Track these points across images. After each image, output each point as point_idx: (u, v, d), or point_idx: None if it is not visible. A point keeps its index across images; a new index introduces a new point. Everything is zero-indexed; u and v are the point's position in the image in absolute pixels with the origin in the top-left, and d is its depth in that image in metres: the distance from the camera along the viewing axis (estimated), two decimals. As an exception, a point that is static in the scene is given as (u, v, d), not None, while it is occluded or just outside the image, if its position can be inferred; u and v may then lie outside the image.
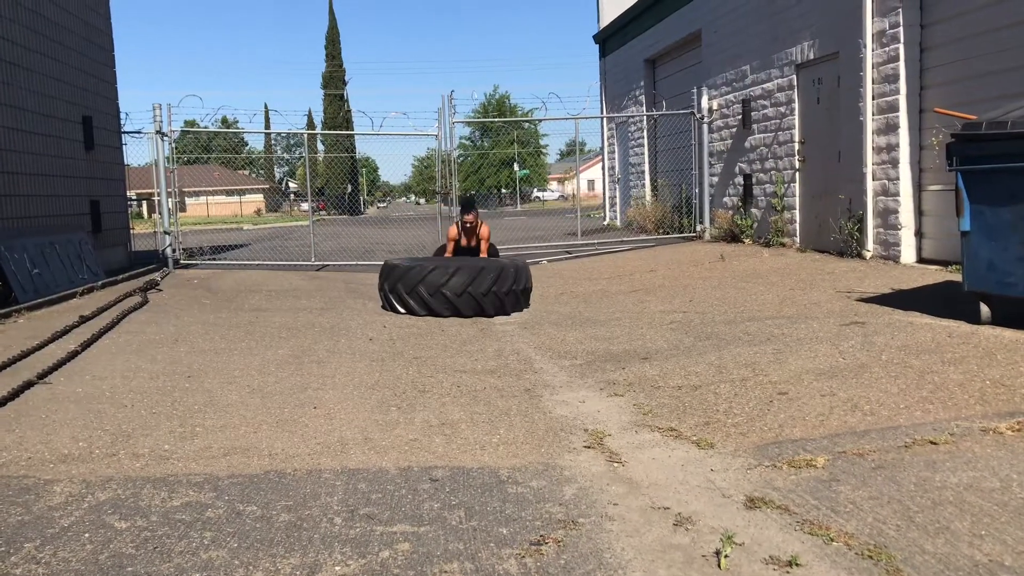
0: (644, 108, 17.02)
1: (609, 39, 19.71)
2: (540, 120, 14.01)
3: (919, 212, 8.59)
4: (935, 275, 7.62)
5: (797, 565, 2.38)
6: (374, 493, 3.01)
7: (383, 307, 7.77)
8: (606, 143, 20.16)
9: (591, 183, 78.59)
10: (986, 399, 3.84)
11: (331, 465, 3.31)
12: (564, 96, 57.70)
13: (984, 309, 5.29)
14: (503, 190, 62.55)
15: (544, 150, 75.36)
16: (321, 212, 45.66)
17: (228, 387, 4.65)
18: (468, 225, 8.74)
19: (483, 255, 8.80)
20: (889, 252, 8.78)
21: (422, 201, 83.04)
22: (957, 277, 7.33)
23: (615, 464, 3.34)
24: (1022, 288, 4.99)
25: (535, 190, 72.66)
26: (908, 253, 8.62)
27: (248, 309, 8.04)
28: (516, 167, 62.91)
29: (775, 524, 2.68)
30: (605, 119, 19.37)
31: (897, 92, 8.49)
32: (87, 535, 2.67)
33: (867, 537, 2.53)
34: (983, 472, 2.97)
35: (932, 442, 3.32)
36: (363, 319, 7.33)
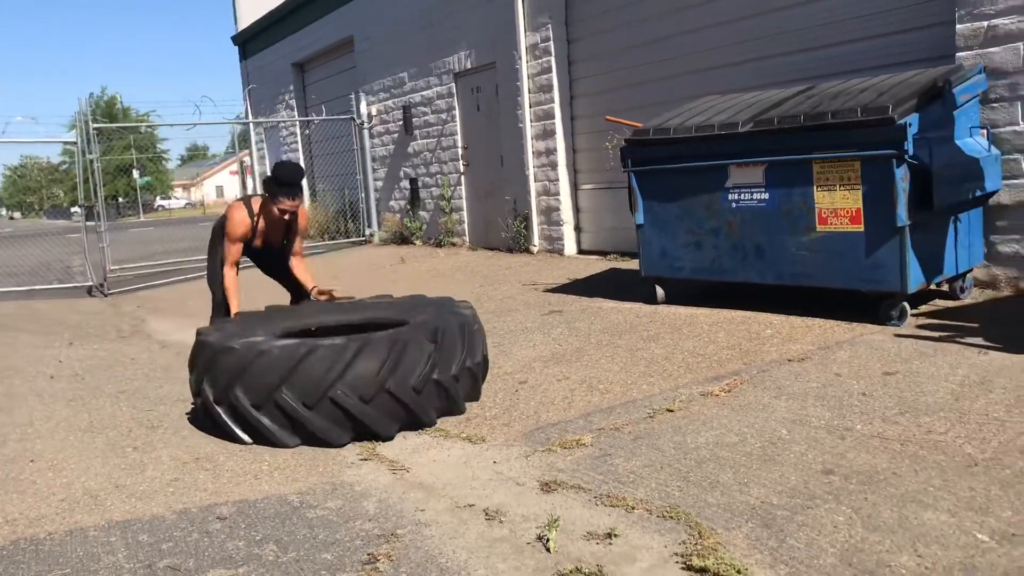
0: (296, 112, 16.73)
1: (250, 41, 19.03)
2: (195, 124, 13.12)
3: (576, 209, 9.56)
4: (598, 264, 8.54)
5: (616, 536, 2.60)
6: (163, 543, 2.70)
7: (208, 428, 3.95)
8: (255, 148, 19.47)
9: (219, 188, 75.18)
10: (691, 368, 4.46)
11: (92, 521, 2.90)
12: (217, 99, 54.40)
13: (659, 291, 6.09)
14: (120, 199, 57.45)
15: (165, 156, 70.71)
16: None
17: None
18: (284, 219, 5.16)
19: (296, 267, 5.45)
20: (554, 246, 9.67)
21: (17, 215, 73.69)
22: (617, 265, 8.32)
23: (400, 472, 3.34)
24: (689, 271, 5.83)
25: (158, 198, 67.93)
26: (570, 246, 9.56)
27: None
28: (136, 174, 58.05)
29: (577, 503, 2.89)
30: (252, 124, 18.69)
31: (552, 101, 9.37)
32: None
33: (660, 501, 2.84)
34: (720, 430, 3.47)
35: (669, 410, 3.78)
36: (27, 354, 6.37)
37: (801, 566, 2.31)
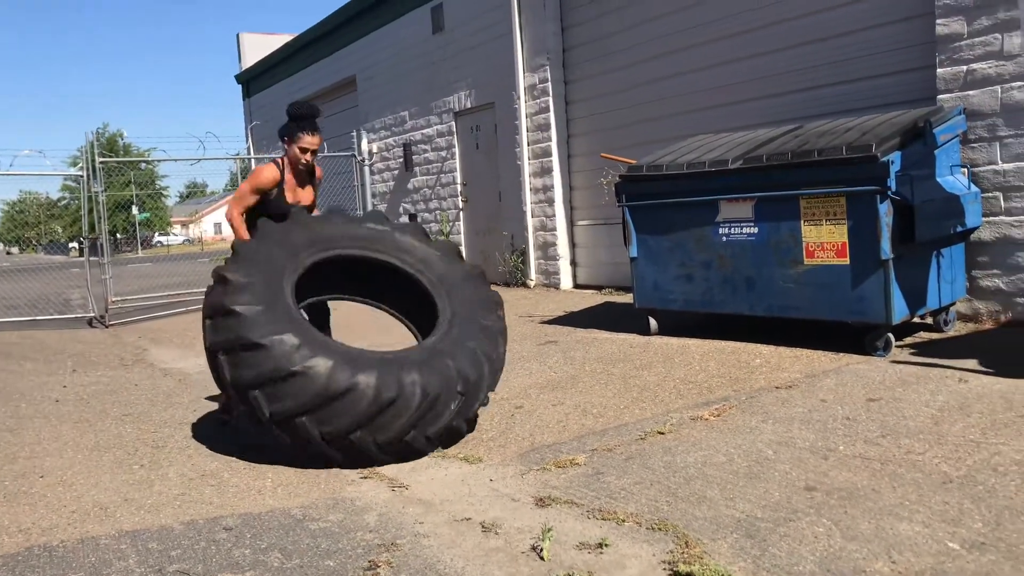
0: (297, 150, 16.96)
1: (254, 80, 19.40)
2: (199, 159, 13.28)
3: (572, 244, 9.76)
4: (593, 298, 8.70)
5: (606, 545, 2.72)
6: (172, 550, 2.82)
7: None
8: (255, 184, 19.70)
9: (218, 226, 75.64)
10: (682, 394, 4.60)
11: (103, 531, 3.01)
12: (219, 134, 54.75)
13: (652, 322, 6.24)
14: (118, 235, 57.83)
15: (165, 192, 71.20)
16: None
17: (-91, 468, 3.92)
18: (305, 159, 4.78)
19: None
20: (550, 280, 9.84)
21: (15, 250, 74.02)
22: (612, 298, 8.48)
23: (400, 488, 3.46)
24: (681, 303, 5.99)
25: (156, 234, 68.40)
26: (566, 280, 9.73)
27: None
28: (135, 210, 58.43)
29: (570, 516, 3.01)
30: (254, 160, 18.92)
31: (549, 139, 9.61)
32: None
33: (649, 514, 2.96)
34: (708, 451, 3.60)
35: (660, 432, 3.91)
36: (31, 380, 6.49)
37: (782, 572, 2.43)
